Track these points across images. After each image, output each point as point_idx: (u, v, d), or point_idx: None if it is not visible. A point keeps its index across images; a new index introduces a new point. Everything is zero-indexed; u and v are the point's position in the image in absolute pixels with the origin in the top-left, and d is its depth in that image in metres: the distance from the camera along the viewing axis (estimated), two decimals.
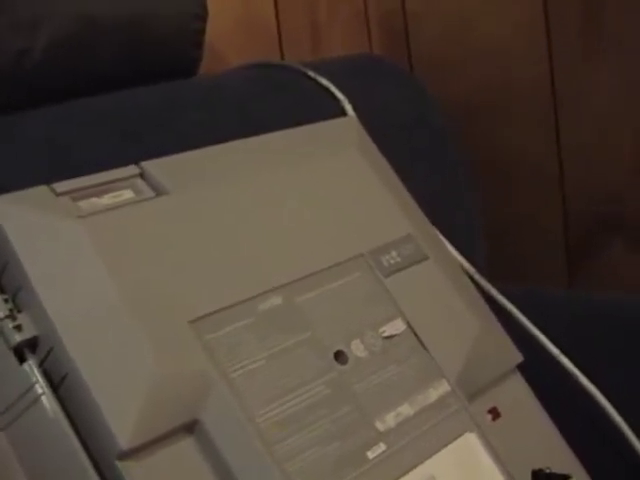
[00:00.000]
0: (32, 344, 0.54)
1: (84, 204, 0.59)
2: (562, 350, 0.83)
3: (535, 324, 0.85)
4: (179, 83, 0.92)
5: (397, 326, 0.64)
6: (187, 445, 0.54)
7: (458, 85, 1.31)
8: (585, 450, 0.72)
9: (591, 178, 1.23)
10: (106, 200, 0.60)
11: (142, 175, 0.63)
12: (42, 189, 0.58)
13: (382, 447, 0.58)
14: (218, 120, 0.89)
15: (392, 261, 0.68)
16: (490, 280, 0.88)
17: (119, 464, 0.51)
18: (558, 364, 0.83)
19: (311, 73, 1.00)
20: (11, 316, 0.54)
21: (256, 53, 1.19)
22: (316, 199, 0.68)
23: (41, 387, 0.53)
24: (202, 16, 0.95)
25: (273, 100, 0.95)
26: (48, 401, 0.53)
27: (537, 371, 0.75)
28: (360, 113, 0.95)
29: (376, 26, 1.38)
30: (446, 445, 0.61)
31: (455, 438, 0.62)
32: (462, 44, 1.30)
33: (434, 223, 0.77)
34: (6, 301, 0.55)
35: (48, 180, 0.60)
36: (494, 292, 0.85)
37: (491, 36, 1.27)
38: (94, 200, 0.59)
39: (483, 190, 1.17)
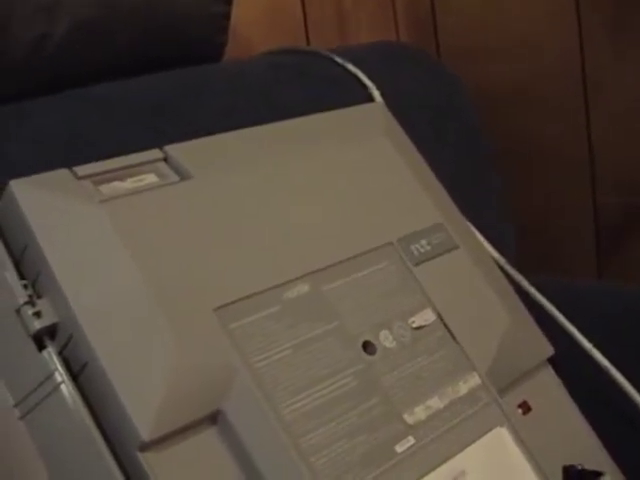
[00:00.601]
0: (52, 331, 0.53)
1: (106, 188, 0.57)
2: (593, 343, 0.81)
3: (566, 316, 0.83)
4: (203, 68, 0.91)
5: (427, 316, 0.63)
6: (210, 436, 0.52)
7: (486, 73, 1.30)
8: (618, 446, 0.71)
9: (621, 168, 1.21)
10: (128, 184, 0.58)
11: (166, 159, 0.62)
12: (63, 172, 0.57)
13: (411, 441, 0.57)
14: (243, 106, 0.88)
15: (422, 250, 0.66)
16: (519, 270, 0.86)
17: (140, 455, 0.49)
18: (590, 357, 0.81)
19: (339, 59, 0.99)
20: (30, 302, 0.53)
21: (282, 40, 1.18)
22: (344, 186, 0.66)
23: (60, 375, 0.52)
24: (227, 0, 0.94)
25: (299, 86, 0.94)
26: (67, 390, 0.52)
27: (568, 364, 0.73)
28: (387, 100, 0.93)
29: (403, 13, 1.37)
30: (476, 439, 0.60)
31: (486, 432, 0.61)
32: (490, 31, 1.29)
33: (461, 212, 0.75)
34: (25, 287, 0.53)
35: (68, 165, 0.58)
36: (525, 283, 0.84)
37: (520, 23, 1.26)
38: (116, 184, 0.58)
39: (511, 180, 1.16)
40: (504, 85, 1.29)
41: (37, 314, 0.53)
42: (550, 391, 0.70)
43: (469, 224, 0.77)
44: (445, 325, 0.63)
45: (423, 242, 0.66)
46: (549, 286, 0.86)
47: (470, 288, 0.67)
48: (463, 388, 0.61)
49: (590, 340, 0.81)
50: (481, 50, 1.30)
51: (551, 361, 0.71)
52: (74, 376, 0.52)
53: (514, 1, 1.26)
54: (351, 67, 0.98)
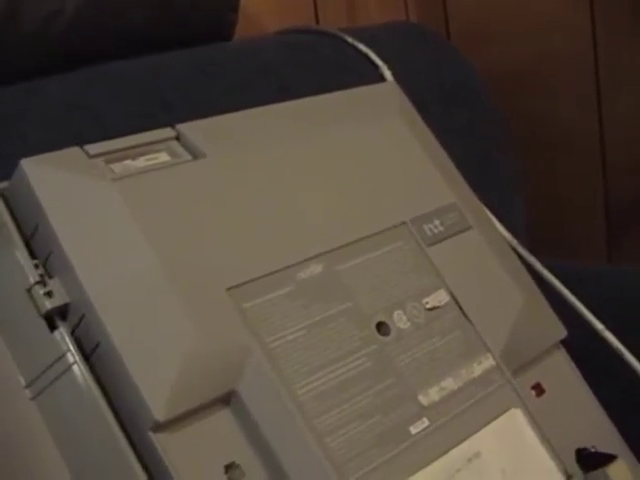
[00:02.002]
0: (63, 311, 0.53)
1: (118, 167, 0.57)
2: (605, 325, 0.81)
3: (578, 298, 0.82)
4: (213, 47, 0.91)
5: (440, 297, 0.62)
6: (223, 417, 0.52)
7: (495, 54, 1.29)
8: (630, 429, 0.70)
9: (632, 152, 1.20)
10: (141, 163, 0.58)
11: (178, 138, 0.61)
12: (74, 150, 0.56)
13: (425, 422, 0.56)
14: (254, 85, 0.88)
15: (435, 230, 0.65)
16: (530, 252, 0.86)
17: (153, 436, 0.49)
18: (602, 339, 0.80)
19: (349, 39, 0.98)
20: (42, 282, 0.52)
21: (292, 20, 1.17)
22: (357, 165, 0.65)
23: (72, 356, 0.51)
24: None
25: (310, 66, 0.94)
26: (79, 370, 0.51)
27: (580, 347, 0.73)
28: (398, 80, 0.92)
29: None
30: (491, 421, 0.59)
31: (500, 414, 0.60)
32: (500, 12, 1.28)
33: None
34: (37, 266, 0.53)
35: (80, 143, 0.58)
36: (537, 265, 0.83)
37: (531, 5, 1.25)
38: (128, 162, 0.57)
39: (522, 162, 1.15)
40: (513, 66, 1.28)
41: (48, 294, 0.52)
42: (563, 373, 0.69)
43: (482, 205, 0.77)
44: (459, 306, 0.63)
45: (436, 222, 0.66)
46: (561, 268, 0.86)
47: (483, 269, 0.67)
48: (477, 369, 0.61)
49: (602, 322, 0.81)
50: (491, 31, 1.29)
51: (564, 343, 0.71)
52: (86, 357, 0.52)
53: None
54: (362, 47, 0.97)
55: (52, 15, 0.79)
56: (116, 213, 0.54)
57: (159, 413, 0.49)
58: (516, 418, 0.60)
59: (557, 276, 0.84)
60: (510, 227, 0.88)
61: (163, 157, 0.59)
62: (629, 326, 0.84)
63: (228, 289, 0.54)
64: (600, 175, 1.25)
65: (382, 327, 0.58)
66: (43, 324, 0.52)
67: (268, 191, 0.60)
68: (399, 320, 0.59)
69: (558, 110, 1.25)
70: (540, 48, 1.25)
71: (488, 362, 0.62)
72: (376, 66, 0.95)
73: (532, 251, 0.87)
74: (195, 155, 0.60)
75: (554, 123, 1.26)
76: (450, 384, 0.59)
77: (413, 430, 0.56)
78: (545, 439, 0.61)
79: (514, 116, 1.24)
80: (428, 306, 0.61)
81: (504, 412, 0.60)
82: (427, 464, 0.55)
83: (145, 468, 0.49)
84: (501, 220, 0.86)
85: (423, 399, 0.57)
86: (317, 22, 1.23)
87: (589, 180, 1.26)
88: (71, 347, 0.51)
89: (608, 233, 1.26)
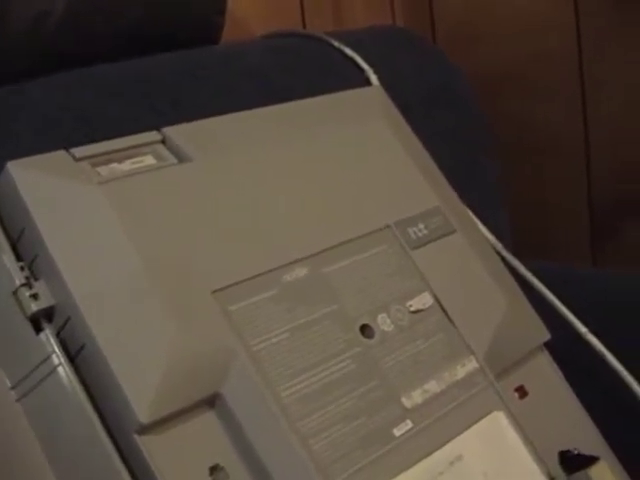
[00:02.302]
0: (49, 313, 0.53)
1: (104, 170, 0.57)
2: (588, 328, 0.81)
3: (562, 301, 0.83)
4: (200, 50, 0.91)
5: (424, 300, 0.63)
6: (207, 419, 0.52)
7: (481, 57, 1.30)
8: (612, 431, 0.71)
9: (617, 155, 1.21)
10: (127, 166, 0.58)
11: (164, 141, 0.61)
12: (61, 154, 0.57)
13: (409, 424, 0.57)
14: (240, 88, 0.88)
15: (419, 234, 0.66)
16: (515, 256, 0.86)
17: (138, 438, 0.49)
18: (585, 342, 0.81)
19: (335, 43, 0.99)
20: (28, 284, 0.53)
21: (278, 24, 1.18)
22: (342, 169, 0.66)
23: (58, 358, 0.52)
24: None
25: (296, 69, 0.94)
26: (65, 372, 0.51)
27: (563, 349, 0.73)
28: (384, 84, 0.93)
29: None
30: (474, 423, 0.60)
31: (482, 416, 0.61)
32: (486, 15, 1.28)
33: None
34: (22, 269, 0.53)
35: (67, 146, 0.58)
36: (521, 268, 0.84)
37: (517, 7, 1.25)
38: (114, 166, 0.58)
39: (506, 165, 1.15)
40: (500, 69, 1.29)
41: (34, 296, 0.52)
42: (546, 376, 0.70)
43: (466, 208, 0.77)
44: (443, 309, 0.63)
45: (421, 226, 0.66)
46: (545, 271, 0.86)
47: (467, 272, 0.67)
48: (460, 372, 0.61)
49: (585, 325, 0.81)
50: (478, 33, 1.29)
51: (547, 346, 0.71)
52: (71, 358, 0.52)
53: None
54: (348, 51, 0.98)
55: (40, 16, 0.79)
56: (102, 216, 0.54)
57: (143, 415, 0.49)
58: (499, 420, 0.61)
59: (541, 279, 0.84)
60: (494, 230, 0.88)
61: (149, 160, 0.59)
62: (612, 329, 0.84)
63: (213, 292, 0.54)
64: (585, 178, 1.25)
65: (366, 330, 0.59)
66: (29, 326, 0.53)
67: (254, 194, 0.60)
68: (383, 323, 0.60)
69: (543, 113, 1.26)
70: (526, 51, 1.25)
71: (471, 365, 0.62)
72: (362, 70, 0.96)
73: (517, 254, 0.88)
74: (181, 159, 0.60)
75: (539, 127, 1.27)
76: (433, 387, 0.59)
77: (397, 432, 0.56)
78: (528, 441, 0.61)
79: (498, 119, 1.24)
80: (412, 309, 0.62)
81: (487, 414, 0.61)
82: (410, 466, 0.55)
83: (130, 470, 0.50)
84: (485, 223, 0.87)
85: (406, 401, 0.58)
86: (304, 26, 1.23)
87: (574, 183, 1.26)
88: (56, 349, 0.52)
89: (593, 236, 1.27)
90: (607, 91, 1.20)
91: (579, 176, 1.25)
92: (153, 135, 0.61)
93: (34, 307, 0.52)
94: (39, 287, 0.53)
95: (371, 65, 0.97)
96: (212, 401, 0.52)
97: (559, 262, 1.27)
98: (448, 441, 0.58)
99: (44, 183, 0.54)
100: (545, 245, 1.30)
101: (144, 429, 0.49)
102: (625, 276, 0.95)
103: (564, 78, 1.23)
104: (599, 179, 1.24)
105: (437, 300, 0.63)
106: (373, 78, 0.95)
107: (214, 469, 0.51)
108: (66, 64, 0.82)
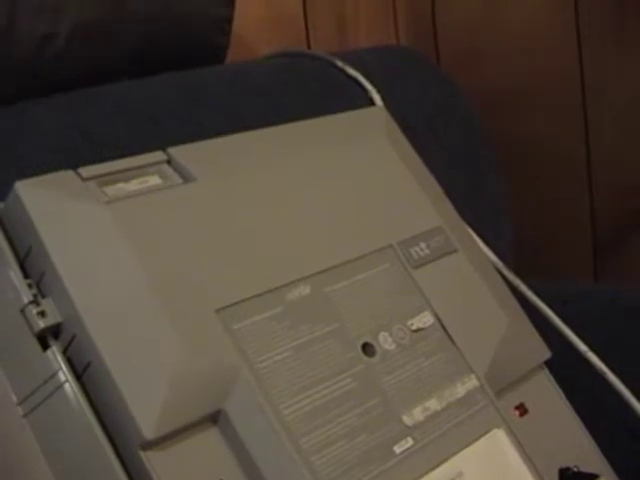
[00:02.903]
0: (56, 330, 0.54)
1: (110, 189, 0.58)
2: (590, 346, 0.82)
3: (563, 320, 0.83)
4: (205, 70, 0.91)
5: (425, 319, 0.63)
6: (211, 436, 0.53)
7: (486, 74, 1.30)
8: (613, 449, 0.71)
9: (619, 170, 1.21)
10: (133, 186, 0.59)
11: (169, 161, 0.62)
12: (68, 174, 0.58)
13: (409, 442, 0.57)
14: (245, 108, 0.89)
15: (421, 253, 0.66)
16: (516, 273, 0.87)
17: (142, 454, 0.50)
18: (585, 361, 0.81)
19: (339, 63, 0.99)
20: (35, 302, 0.53)
21: (283, 43, 1.19)
22: (344, 189, 0.67)
23: (64, 374, 0.52)
24: (229, 3, 0.94)
25: (300, 89, 0.94)
26: (71, 389, 0.52)
27: (564, 367, 0.74)
28: (387, 104, 0.94)
29: (403, 17, 1.37)
30: (474, 441, 0.60)
31: (483, 434, 0.61)
32: (489, 33, 1.29)
33: (459, 214, 0.76)
34: (30, 286, 0.54)
35: (70, 167, 0.59)
36: (522, 287, 0.84)
37: (519, 24, 1.26)
38: (121, 185, 0.58)
39: (510, 181, 1.16)
40: (503, 85, 1.29)
41: (41, 313, 0.53)
42: (547, 394, 0.70)
43: (468, 228, 0.78)
44: (444, 328, 0.64)
45: (422, 245, 0.67)
46: (546, 289, 0.87)
47: (468, 291, 0.68)
48: (461, 390, 0.62)
49: (586, 343, 0.82)
50: (481, 51, 1.30)
51: (547, 364, 0.72)
52: (78, 375, 0.52)
53: (512, 3, 1.26)
54: (351, 71, 0.98)
55: (44, 39, 0.80)
56: (109, 235, 0.55)
57: (148, 431, 0.50)
58: (499, 438, 0.61)
59: (541, 298, 0.84)
60: (496, 248, 0.89)
61: (155, 180, 0.60)
62: (613, 347, 0.85)
63: (217, 310, 0.55)
64: (586, 193, 1.26)
65: (368, 348, 0.60)
66: (36, 343, 0.53)
67: (257, 214, 0.61)
68: (385, 341, 0.60)
69: (545, 128, 1.27)
70: (529, 67, 1.26)
71: (472, 383, 0.63)
72: (365, 90, 0.97)
73: (518, 272, 0.88)
74: (186, 178, 0.61)
75: (541, 142, 1.27)
76: (434, 404, 0.60)
77: (397, 449, 0.57)
78: (528, 459, 0.62)
79: (502, 135, 1.25)
80: (413, 328, 0.62)
81: (487, 432, 0.61)
82: None
83: None
84: (487, 241, 0.87)
85: (407, 419, 0.58)
86: (308, 45, 1.24)
87: (575, 199, 1.27)
88: (63, 366, 0.52)
89: (595, 251, 1.27)
90: (609, 107, 1.20)
91: (582, 191, 1.26)
92: (159, 155, 0.62)
93: (41, 324, 0.53)
94: (46, 304, 0.53)
95: (374, 85, 0.97)
96: (216, 417, 0.53)
97: (562, 277, 1.27)
98: (448, 458, 0.58)
99: (52, 202, 0.55)
100: (548, 260, 1.30)
101: (149, 445, 0.50)
102: (627, 291, 0.95)
103: (566, 93, 1.24)
104: (601, 195, 1.24)
105: (438, 319, 0.64)
106: (376, 98, 0.96)
107: None
108: (70, 86, 0.82)
